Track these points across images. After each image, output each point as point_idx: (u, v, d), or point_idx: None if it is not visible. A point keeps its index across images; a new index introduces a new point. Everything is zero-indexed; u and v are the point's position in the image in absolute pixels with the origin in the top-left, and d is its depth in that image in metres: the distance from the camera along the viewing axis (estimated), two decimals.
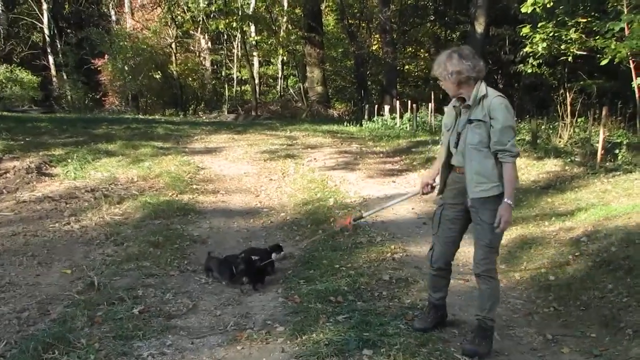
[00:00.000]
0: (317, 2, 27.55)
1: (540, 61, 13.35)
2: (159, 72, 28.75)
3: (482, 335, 3.48)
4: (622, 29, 9.68)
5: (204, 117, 26.17)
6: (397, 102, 19.31)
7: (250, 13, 27.24)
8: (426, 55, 31.37)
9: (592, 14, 11.55)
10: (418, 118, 16.90)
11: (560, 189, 7.69)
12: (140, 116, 23.52)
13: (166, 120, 20.21)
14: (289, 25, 29.34)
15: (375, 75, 29.71)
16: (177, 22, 29.22)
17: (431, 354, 3.34)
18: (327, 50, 29.33)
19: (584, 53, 11.94)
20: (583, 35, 11.40)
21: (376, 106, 21.04)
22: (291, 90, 31.04)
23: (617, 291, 4.24)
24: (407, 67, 31.42)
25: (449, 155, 3.56)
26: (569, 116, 11.36)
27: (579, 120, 11.94)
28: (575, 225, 5.88)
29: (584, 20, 11.28)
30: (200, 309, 4.16)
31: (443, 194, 3.62)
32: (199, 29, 29.49)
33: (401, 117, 17.93)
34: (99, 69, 28.11)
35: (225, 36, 30.99)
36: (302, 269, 5.00)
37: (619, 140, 9.66)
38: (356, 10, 30.42)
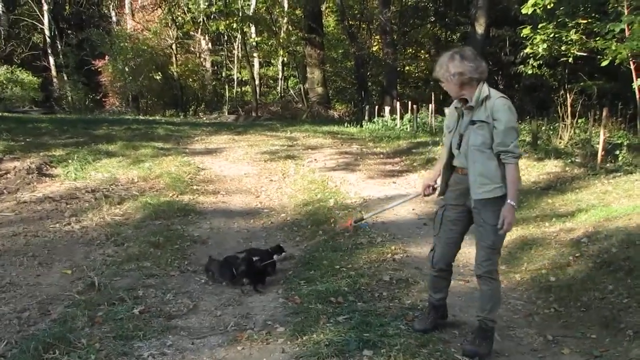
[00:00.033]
0: (317, 3, 27.57)
1: (541, 62, 13.36)
2: (159, 73, 28.80)
3: (482, 336, 3.48)
4: (623, 30, 9.68)
5: (205, 118, 26.19)
6: (398, 103, 19.32)
7: (251, 14, 27.29)
8: (426, 56, 31.39)
9: (593, 15, 11.55)
10: (418, 119, 16.91)
11: (560, 190, 7.69)
12: (141, 117, 23.55)
13: (166, 121, 20.23)
14: (290, 27, 29.36)
15: (376, 76, 29.72)
16: (177, 23, 29.26)
17: (431, 354, 3.34)
18: (327, 51, 29.36)
19: (585, 54, 11.94)
20: (583, 37, 11.41)
21: (376, 107, 21.05)
22: (291, 91, 31.07)
23: (617, 292, 4.23)
24: (407, 68, 31.44)
25: (450, 156, 3.55)
26: (569, 117, 11.36)
27: (579, 121, 11.94)
28: (575, 226, 5.88)
29: (585, 21, 11.28)
30: (201, 310, 4.15)
31: (445, 195, 3.61)
32: (200, 30, 29.53)
33: (401, 118, 17.94)
34: (99, 70, 28.17)
35: (226, 37, 31.04)
36: (302, 270, 5.00)
37: (619, 141, 9.67)
38: (356, 12, 30.45)
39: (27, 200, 7.36)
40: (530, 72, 14.20)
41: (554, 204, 7.04)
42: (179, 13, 29.41)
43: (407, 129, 16.76)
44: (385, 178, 9.60)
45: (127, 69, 26.98)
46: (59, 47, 30.82)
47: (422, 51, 32.16)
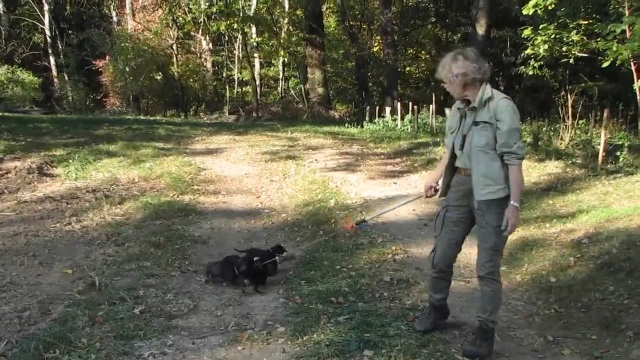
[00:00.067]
0: (318, 3, 27.57)
1: (542, 63, 13.33)
2: (160, 73, 28.81)
3: (483, 336, 3.48)
4: (624, 31, 9.67)
5: (205, 118, 26.20)
6: (398, 103, 19.33)
7: (252, 14, 27.30)
8: (427, 57, 31.38)
9: (594, 16, 11.54)
10: (419, 120, 16.91)
11: (561, 190, 7.69)
12: (141, 117, 23.55)
13: (167, 121, 20.23)
14: (290, 27, 29.36)
15: (376, 77, 29.72)
16: (178, 24, 29.26)
17: (432, 355, 3.34)
18: (328, 51, 29.36)
19: (586, 55, 11.94)
20: (584, 37, 11.39)
21: (377, 108, 21.04)
22: (292, 92, 31.07)
23: (618, 293, 4.23)
24: (408, 68, 31.43)
25: (452, 157, 3.54)
26: (570, 118, 11.36)
27: (580, 122, 11.94)
28: (576, 227, 5.88)
29: (586, 22, 11.27)
30: (201, 309, 4.16)
31: (447, 196, 3.60)
32: (200, 30, 29.54)
33: (402, 118, 17.94)
34: (100, 70, 28.18)
35: (227, 37, 31.05)
36: (303, 270, 5.00)
37: (620, 143, 9.66)
38: (357, 12, 30.45)
39: (27, 199, 7.37)
40: (531, 73, 14.17)
41: (555, 204, 7.04)
42: (179, 13, 29.41)
43: (407, 129, 16.76)
44: (385, 178, 9.60)
45: (127, 69, 26.99)
46: (60, 47, 30.84)
47: (423, 52, 32.16)
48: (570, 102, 11.31)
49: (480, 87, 3.34)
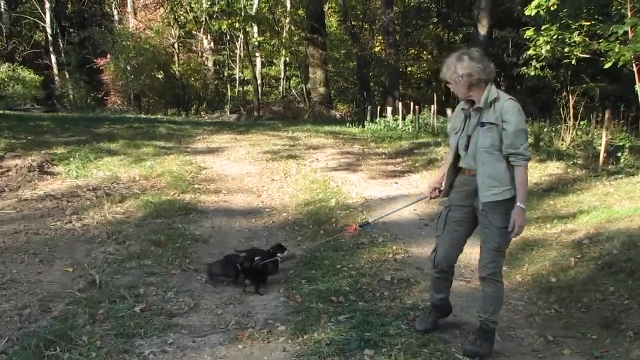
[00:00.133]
0: (320, 3, 27.56)
1: (544, 64, 13.32)
2: (161, 72, 28.79)
3: (483, 336, 3.48)
4: (626, 32, 9.65)
5: (206, 117, 26.18)
6: (400, 103, 19.31)
7: (253, 14, 27.27)
8: (429, 57, 31.40)
9: (596, 17, 11.51)
10: (420, 120, 16.90)
11: (562, 191, 7.68)
12: (143, 116, 23.53)
13: (168, 120, 20.22)
14: (292, 26, 29.36)
15: (378, 77, 29.72)
16: (179, 22, 29.23)
17: (432, 354, 3.34)
18: (329, 51, 29.35)
19: (587, 56, 11.91)
20: (586, 38, 11.37)
21: (378, 107, 21.04)
22: (293, 91, 31.06)
23: (618, 293, 4.24)
24: (409, 68, 31.43)
25: (456, 157, 3.53)
26: (571, 119, 11.36)
27: (581, 123, 11.95)
28: (577, 227, 5.88)
29: (588, 23, 11.24)
30: (202, 308, 4.16)
31: (449, 196, 3.59)
32: (202, 29, 29.51)
33: (403, 118, 17.94)
34: (101, 68, 28.16)
35: (228, 37, 31.02)
36: (303, 269, 5.00)
37: (621, 143, 9.67)
38: (359, 12, 30.45)
39: (28, 197, 7.37)
40: (532, 73, 14.15)
41: (556, 205, 7.04)
42: (181, 12, 29.38)
43: (409, 129, 16.75)
44: (387, 178, 9.60)
45: (129, 68, 26.98)
46: (61, 45, 30.84)
47: (425, 52, 32.16)
48: (571, 102, 11.31)
49: (485, 87, 3.33)
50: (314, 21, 26.82)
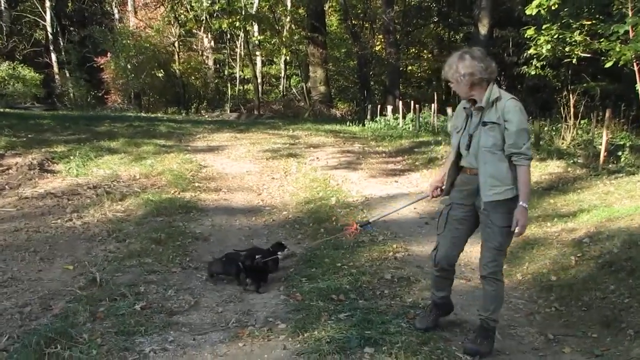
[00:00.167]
0: (320, 2, 27.54)
1: (544, 63, 13.31)
2: (161, 70, 28.78)
3: (484, 334, 3.48)
4: (627, 32, 9.64)
5: (207, 116, 26.17)
6: (400, 102, 19.29)
7: (254, 12, 27.25)
8: (429, 56, 31.39)
9: (597, 16, 11.50)
10: (421, 118, 16.89)
11: (562, 190, 7.68)
12: (143, 114, 23.52)
13: (168, 119, 20.22)
14: (292, 25, 29.35)
15: (378, 76, 29.71)
16: (180, 21, 29.23)
17: (432, 352, 3.34)
18: (330, 50, 29.33)
19: (588, 55, 11.90)
20: (587, 38, 11.36)
21: (379, 106, 21.03)
22: (294, 90, 31.04)
23: (618, 292, 4.24)
24: (410, 67, 31.42)
25: (457, 156, 3.52)
26: (572, 118, 11.36)
27: (582, 122, 11.95)
28: (577, 226, 5.88)
29: (589, 22, 11.23)
30: (202, 306, 4.16)
31: (450, 195, 3.58)
32: (202, 28, 29.49)
33: (404, 117, 17.92)
34: (101, 66, 28.16)
35: (228, 35, 31.00)
36: (304, 267, 5.00)
37: (622, 143, 9.68)
38: (360, 11, 30.43)
39: (28, 195, 7.37)
40: (533, 72, 14.13)
41: (556, 204, 7.04)
42: (181, 11, 29.38)
43: (409, 128, 16.74)
44: (387, 177, 9.60)
45: (129, 67, 26.97)
46: (61, 43, 30.83)
47: (425, 51, 32.16)
48: (572, 102, 11.31)
49: (486, 87, 3.32)
50: (314, 20, 26.81)
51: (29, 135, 11.77)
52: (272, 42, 29.24)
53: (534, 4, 10.86)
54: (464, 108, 3.48)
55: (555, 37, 11.35)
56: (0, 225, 6.13)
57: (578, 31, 11.16)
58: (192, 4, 28.48)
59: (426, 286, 4.43)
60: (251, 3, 27.59)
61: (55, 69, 30.23)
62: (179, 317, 3.92)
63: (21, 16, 30.60)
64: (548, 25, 11.37)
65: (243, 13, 26.19)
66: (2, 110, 19.31)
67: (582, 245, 5.25)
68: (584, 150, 10.06)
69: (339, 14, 31.31)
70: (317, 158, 11.11)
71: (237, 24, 26.06)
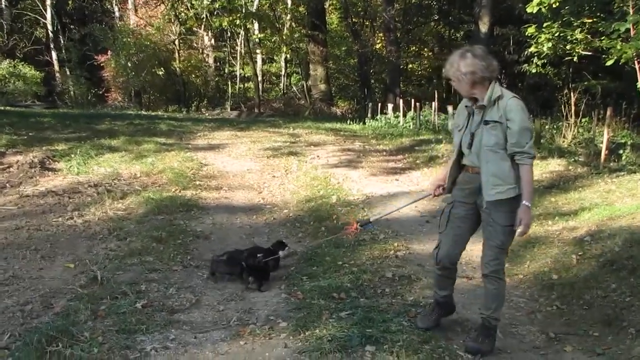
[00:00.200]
0: (321, 0, 27.53)
1: (545, 61, 13.32)
2: (162, 68, 28.78)
3: (485, 333, 3.47)
4: (628, 30, 9.64)
5: (207, 114, 26.16)
6: (401, 100, 19.30)
7: (254, 10, 27.22)
8: (430, 54, 31.39)
9: (598, 14, 11.50)
10: (421, 117, 16.89)
11: (563, 188, 7.68)
12: (143, 112, 23.52)
13: (169, 117, 20.22)
14: (293, 23, 29.34)
15: (379, 74, 29.69)
16: (180, 19, 29.20)
17: (434, 350, 3.34)
18: (330, 48, 29.31)
19: (589, 53, 11.91)
20: (588, 36, 11.36)
21: (379, 104, 21.02)
22: (294, 88, 31.04)
23: (620, 291, 4.23)
24: (410, 66, 31.40)
25: (459, 154, 3.51)
26: (573, 116, 11.36)
27: (583, 120, 11.95)
28: (578, 225, 5.88)
29: (590, 20, 11.24)
30: (203, 304, 4.16)
31: (452, 193, 3.57)
32: (203, 26, 29.48)
33: (404, 115, 17.92)
34: (102, 65, 28.16)
35: (229, 33, 31.01)
36: (305, 266, 5.00)
37: (623, 141, 9.67)
38: (360, 9, 30.40)
39: (29, 194, 7.37)
40: (534, 71, 14.14)
41: (557, 202, 7.04)
42: (182, 9, 29.36)
43: (410, 126, 16.74)
44: (388, 175, 9.59)
45: (129, 65, 26.97)
46: (62, 41, 30.82)
47: (426, 49, 32.15)
48: (573, 100, 11.31)
49: (488, 85, 3.30)
50: (314, 18, 26.79)
51: (30, 134, 11.77)
52: (273, 40, 29.24)
53: (535, 1, 10.87)
54: (466, 106, 3.46)
55: (556, 35, 11.36)
56: (1, 223, 6.13)
57: (579, 29, 11.16)
58: (193, 2, 28.46)
59: (427, 284, 4.43)
60: (251, 1, 27.58)
61: (56, 67, 30.23)
62: (180, 315, 3.92)
63: (22, 14, 30.59)
64: (549, 23, 11.37)
65: (243, 11, 26.16)
66: (2, 108, 19.32)
67: (583, 244, 5.24)
68: (585, 148, 10.06)
69: (340, 12, 31.28)
70: (318, 156, 11.11)
71: (238, 21, 26.05)
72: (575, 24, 11.31)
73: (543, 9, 10.93)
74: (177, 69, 28.88)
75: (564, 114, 11.77)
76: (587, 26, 11.25)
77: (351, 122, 19.12)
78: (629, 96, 13.89)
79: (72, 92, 29.28)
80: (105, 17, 32.33)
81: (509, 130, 3.22)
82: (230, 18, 25.72)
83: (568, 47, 11.58)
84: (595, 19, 11.18)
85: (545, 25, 11.41)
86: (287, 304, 4.12)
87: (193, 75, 30.66)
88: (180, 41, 29.61)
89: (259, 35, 29.20)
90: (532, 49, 12.31)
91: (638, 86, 10.05)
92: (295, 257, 5.30)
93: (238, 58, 30.15)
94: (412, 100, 18.07)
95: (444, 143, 11.45)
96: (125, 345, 3.36)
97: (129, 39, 27.20)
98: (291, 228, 6.46)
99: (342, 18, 30.92)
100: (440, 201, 4.41)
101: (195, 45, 31.85)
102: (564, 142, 11.05)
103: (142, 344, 3.41)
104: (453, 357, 3.33)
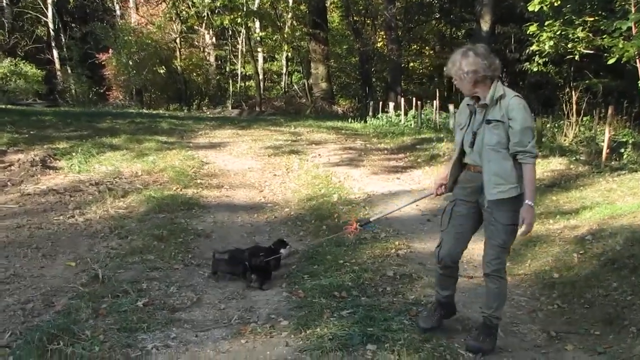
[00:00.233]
0: None
1: (547, 60, 13.28)
2: (163, 67, 28.82)
3: (486, 332, 3.47)
4: (630, 28, 9.60)
5: (208, 112, 26.20)
6: (402, 99, 19.28)
7: (255, 9, 27.25)
8: (431, 52, 31.36)
9: (600, 12, 11.47)
10: (423, 115, 16.88)
11: (565, 187, 7.67)
12: (144, 111, 23.55)
13: (170, 115, 20.25)
14: (294, 22, 29.34)
15: (380, 72, 29.68)
16: (181, 18, 29.22)
17: (435, 349, 3.34)
18: (331, 46, 29.32)
19: (591, 52, 11.87)
20: (590, 34, 11.33)
21: (381, 103, 21.03)
22: (295, 87, 31.05)
23: (621, 289, 4.23)
24: (411, 64, 31.41)
25: (461, 152, 3.50)
26: (574, 115, 11.34)
27: (584, 119, 11.93)
28: (580, 223, 5.87)
29: (591, 19, 11.20)
30: (205, 303, 4.16)
31: (454, 191, 3.56)
32: (204, 24, 29.49)
33: (406, 114, 17.92)
34: (103, 63, 28.20)
35: (230, 32, 31.04)
36: (306, 264, 5.00)
37: (624, 140, 9.66)
38: (361, 7, 30.39)
39: (31, 192, 7.38)
40: (535, 69, 14.08)
41: (558, 201, 7.03)
42: (183, 7, 29.37)
43: (411, 125, 16.74)
44: (389, 174, 9.59)
45: (131, 63, 27.00)
46: (63, 40, 30.85)
47: (427, 48, 32.12)
48: (574, 98, 11.29)
49: (490, 84, 3.29)
50: (316, 16, 26.78)
51: (31, 132, 11.78)
52: (274, 38, 29.25)
53: (537, 0, 10.83)
54: (468, 105, 3.45)
55: (558, 33, 11.32)
56: (2, 221, 6.13)
57: (581, 27, 11.12)
58: (194, 0, 28.47)
59: (428, 283, 4.43)
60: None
61: (57, 66, 30.27)
62: (182, 313, 3.92)
63: (23, 12, 30.63)
64: (550, 21, 11.34)
65: (245, 9, 26.18)
66: (4, 106, 19.33)
67: (584, 243, 5.24)
68: (586, 147, 10.05)
69: (341, 11, 31.28)
70: (319, 155, 11.11)
71: (239, 20, 26.07)
72: (576, 22, 11.28)
73: (544, 7, 10.90)
74: (178, 67, 28.90)
75: (565, 113, 11.76)
76: (588, 24, 11.21)
77: (352, 121, 19.12)
78: (631, 95, 13.84)
79: (73, 91, 29.32)
80: (107, 15, 32.38)
81: (511, 130, 3.21)
82: (232, 16, 25.75)
83: (569, 45, 11.54)
84: (596, 17, 11.14)
85: (546, 23, 11.37)
86: (288, 302, 4.12)
87: (194, 74, 30.69)
88: (182, 39, 29.63)
89: (260, 34, 29.22)
90: (534, 48, 12.27)
91: (639, 85, 10.02)
92: (297, 255, 5.30)
93: (239, 56, 30.17)
94: (414, 98, 18.08)
95: (445, 142, 11.45)
96: (126, 344, 3.37)
97: (130, 37, 27.23)
98: (292, 227, 6.46)
99: (343, 16, 30.92)
100: (441, 199, 4.41)
101: (197, 43, 31.88)
102: (565, 140, 11.04)
103: (143, 343, 3.41)
104: (454, 356, 3.33)
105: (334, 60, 30.34)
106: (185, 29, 29.70)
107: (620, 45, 9.66)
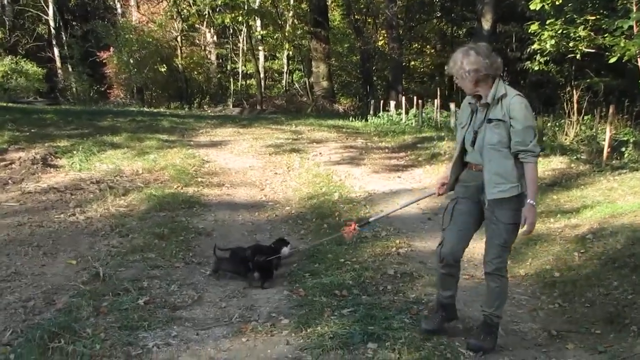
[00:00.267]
0: None
1: (548, 58, 13.26)
2: (164, 65, 28.80)
3: (487, 330, 3.47)
4: (631, 27, 9.59)
5: (209, 111, 26.20)
6: (403, 97, 19.29)
7: (256, 7, 27.24)
8: (432, 51, 31.34)
9: (601, 11, 11.46)
10: (424, 114, 16.88)
11: (566, 186, 7.66)
12: (146, 109, 23.55)
13: (171, 114, 20.25)
14: (295, 20, 29.33)
15: (381, 71, 29.68)
16: (182, 16, 29.21)
17: (436, 348, 3.34)
18: (333, 45, 29.30)
19: (592, 51, 11.86)
20: (591, 33, 11.32)
21: (382, 102, 21.03)
22: (296, 85, 31.06)
23: (622, 288, 4.23)
24: (413, 63, 31.39)
25: (462, 151, 3.49)
26: (575, 114, 11.33)
27: (585, 118, 11.91)
28: (580, 222, 5.87)
29: (593, 17, 11.18)
30: (205, 301, 4.16)
31: (455, 190, 3.55)
32: (205, 22, 29.48)
33: (407, 112, 17.92)
34: (104, 61, 28.19)
35: (231, 30, 31.04)
36: (307, 263, 5.00)
37: (625, 139, 9.65)
38: (362, 6, 30.37)
39: (31, 190, 7.38)
40: (536, 68, 14.07)
41: (559, 200, 7.03)
42: (184, 5, 29.36)
43: (412, 123, 16.73)
44: (390, 172, 9.59)
45: (132, 61, 26.99)
46: (64, 38, 30.85)
47: (428, 46, 32.10)
48: (575, 97, 11.27)
49: (492, 83, 3.29)
50: (317, 15, 26.77)
51: (32, 130, 11.78)
52: (275, 37, 29.25)
53: None
54: (469, 103, 3.44)
55: (559, 32, 11.30)
56: (3, 220, 6.14)
57: (582, 26, 11.11)
58: None
59: (429, 282, 4.43)
60: None
61: (58, 64, 30.28)
62: (182, 312, 3.92)
63: (24, 10, 30.64)
64: (552, 20, 11.32)
65: (246, 8, 26.16)
66: (5, 104, 19.34)
67: (585, 242, 5.24)
68: (587, 146, 10.04)
69: (342, 9, 31.26)
70: (320, 153, 11.11)
71: (240, 18, 26.07)
72: (578, 21, 11.26)
73: (546, 6, 10.90)
74: (180, 65, 28.89)
75: (567, 112, 11.74)
76: (590, 23, 11.20)
77: (353, 119, 19.11)
78: (632, 94, 13.83)
79: (74, 89, 29.32)
80: (108, 13, 32.39)
81: (513, 129, 3.21)
82: (233, 15, 25.75)
83: (571, 44, 11.52)
84: (598, 16, 11.13)
85: (548, 22, 11.36)
86: (289, 301, 4.13)
87: (195, 72, 30.68)
88: (183, 38, 29.62)
89: (262, 32, 29.21)
90: (535, 46, 12.26)
91: None
92: (297, 254, 5.30)
93: (240, 55, 30.16)
94: (415, 97, 18.08)
95: (446, 140, 11.44)
96: (127, 342, 3.37)
97: (131, 36, 27.22)
98: (293, 225, 6.46)
99: (344, 15, 30.91)
100: (442, 198, 4.41)
101: (198, 42, 31.86)
102: (566, 139, 11.03)
103: (144, 341, 3.42)
104: (455, 355, 3.33)
105: (335, 59, 30.32)
106: (186, 27, 29.71)
107: (622, 44, 9.65)
